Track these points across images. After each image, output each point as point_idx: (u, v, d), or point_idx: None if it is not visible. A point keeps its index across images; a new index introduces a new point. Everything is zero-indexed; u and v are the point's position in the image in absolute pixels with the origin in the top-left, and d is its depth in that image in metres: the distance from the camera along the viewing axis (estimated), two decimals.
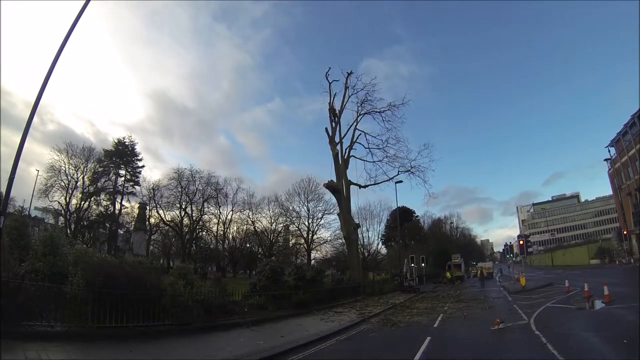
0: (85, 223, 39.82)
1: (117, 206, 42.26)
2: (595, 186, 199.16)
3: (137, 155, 44.38)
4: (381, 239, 52.74)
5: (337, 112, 31.58)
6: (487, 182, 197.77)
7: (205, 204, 42.98)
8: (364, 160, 31.44)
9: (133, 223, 44.57)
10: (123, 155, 42.88)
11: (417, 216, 59.23)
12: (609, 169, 53.54)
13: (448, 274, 44.10)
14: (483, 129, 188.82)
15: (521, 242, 30.60)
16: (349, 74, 31.79)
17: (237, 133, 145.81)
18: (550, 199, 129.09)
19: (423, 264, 38.06)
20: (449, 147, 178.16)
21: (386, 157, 30.70)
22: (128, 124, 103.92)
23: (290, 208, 44.55)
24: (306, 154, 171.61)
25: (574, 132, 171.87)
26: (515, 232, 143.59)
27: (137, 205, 44.00)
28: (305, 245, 45.21)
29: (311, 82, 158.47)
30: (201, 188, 42.27)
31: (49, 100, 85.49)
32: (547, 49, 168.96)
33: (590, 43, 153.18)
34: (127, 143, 43.74)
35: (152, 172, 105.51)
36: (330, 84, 31.69)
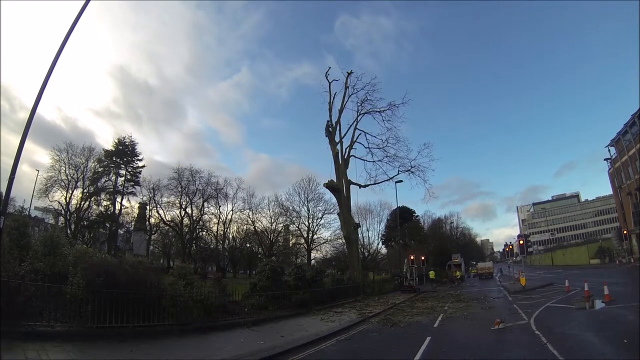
0: (85, 223, 39.75)
1: (117, 206, 42.24)
2: (596, 186, 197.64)
3: (137, 155, 44.32)
4: (381, 239, 52.76)
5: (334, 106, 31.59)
6: (492, 175, 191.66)
7: (205, 204, 43.01)
8: (364, 160, 31.50)
9: (133, 223, 44.56)
10: (123, 155, 42.84)
11: (417, 216, 59.24)
12: (609, 169, 53.53)
13: (457, 273, 44.40)
14: (488, 116, 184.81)
15: (521, 242, 30.63)
16: (349, 74, 31.96)
17: (207, 115, 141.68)
18: (550, 198, 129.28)
19: (422, 260, 38.04)
20: (452, 136, 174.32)
21: (386, 156, 30.72)
22: (95, 109, 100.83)
23: (290, 208, 44.60)
24: (285, 139, 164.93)
25: (585, 120, 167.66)
26: (516, 231, 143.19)
27: (137, 205, 44.05)
28: (305, 245, 45.19)
29: (279, 45, 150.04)
30: (201, 188, 42.30)
31: (14, 84, 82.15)
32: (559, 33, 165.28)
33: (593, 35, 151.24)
34: (127, 143, 43.71)
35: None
36: (330, 83, 31.86)
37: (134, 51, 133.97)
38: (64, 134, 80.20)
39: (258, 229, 44.27)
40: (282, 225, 46.95)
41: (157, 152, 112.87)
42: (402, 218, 45.38)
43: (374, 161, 30.99)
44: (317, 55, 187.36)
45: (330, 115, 31.51)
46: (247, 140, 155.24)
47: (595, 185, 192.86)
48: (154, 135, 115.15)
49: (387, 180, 30.99)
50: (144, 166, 44.89)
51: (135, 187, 43.28)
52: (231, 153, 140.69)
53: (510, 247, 42.67)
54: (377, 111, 31.24)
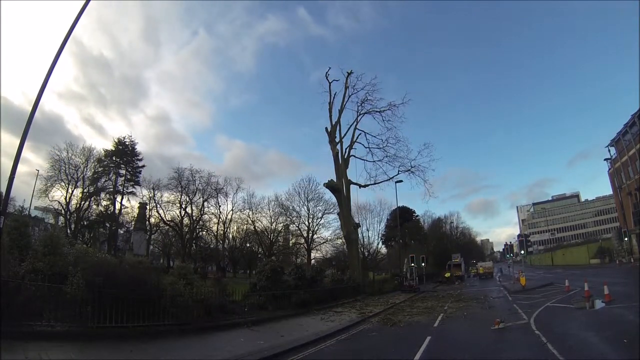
0: (85, 223, 39.73)
1: (117, 206, 42.26)
2: (596, 186, 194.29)
3: (137, 155, 44.37)
4: (381, 239, 52.74)
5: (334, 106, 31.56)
6: (498, 167, 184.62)
7: (205, 204, 43.01)
8: (364, 160, 31.59)
9: (133, 223, 44.56)
10: (123, 154, 42.86)
11: (417, 216, 59.24)
12: (609, 169, 53.51)
13: (447, 274, 44.52)
14: (494, 107, 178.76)
15: (519, 249, 30.62)
16: (349, 74, 32.06)
17: (171, 93, 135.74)
18: (550, 198, 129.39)
19: (423, 264, 38.10)
20: (454, 125, 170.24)
21: (386, 156, 30.85)
22: (59, 91, 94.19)
23: (290, 207, 44.63)
24: (259, 121, 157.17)
25: (599, 109, 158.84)
26: (516, 230, 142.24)
27: (137, 205, 44.05)
28: (305, 244, 45.19)
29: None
30: (201, 188, 42.30)
31: None
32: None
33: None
34: (127, 143, 43.79)
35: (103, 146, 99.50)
36: (330, 83, 31.94)
37: (82, 18, 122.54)
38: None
39: (258, 229, 44.27)
40: (282, 225, 46.96)
41: (125, 139, 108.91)
42: (402, 218, 45.38)
43: (374, 161, 31.13)
44: (284, 7, 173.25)
45: (330, 116, 31.62)
46: (219, 123, 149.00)
47: (595, 185, 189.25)
48: (122, 120, 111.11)
49: (387, 180, 31.15)
50: (144, 166, 44.97)
51: (135, 187, 43.34)
52: (204, 139, 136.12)
53: (510, 244, 42.74)
54: (377, 111, 31.38)
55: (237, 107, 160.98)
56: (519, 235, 39.51)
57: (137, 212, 44.19)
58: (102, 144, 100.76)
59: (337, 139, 30.84)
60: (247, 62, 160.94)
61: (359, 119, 31.75)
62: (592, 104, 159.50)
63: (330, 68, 32.37)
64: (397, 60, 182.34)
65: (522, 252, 33.62)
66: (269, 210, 45.03)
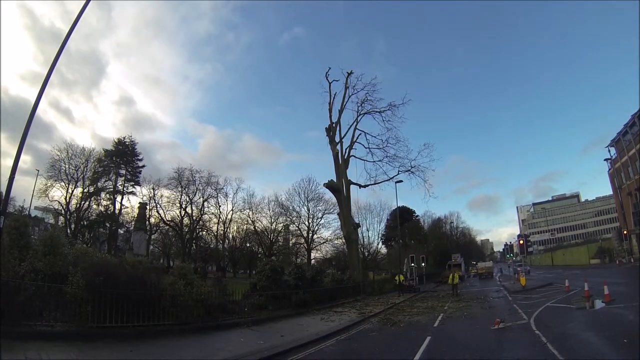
0: (85, 223, 39.76)
1: (117, 206, 42.30)
2: (596, 186, 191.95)
3: (137, 155, 44.47)
4: (381, 239, 52.85)
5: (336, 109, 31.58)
6: (502, 159, 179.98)
7: (205, 204, 43.05)
8: (364, 160, 31.61)
9: (133, 223, 44.60)
10: (123, 155, 42.92)
11: (417, 216, 59.33)
12: (609, 169, 53.53)
13: (449, 277, 44.19)
14: (500, 100, 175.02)
15: (521, 242, 30.64)
16: (349, 74, 32.08)
17: (130, 71, 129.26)
18: (550, 198, 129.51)
19: (423, 264, 38.09)
20: (457, 116, 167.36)
21: (386, 156, 30.89)
22: (20, 72, 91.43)
23: (290, 208, 44.67)
24: (224, 99, 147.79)
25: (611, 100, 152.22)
26: (517, 229, 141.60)
27: (137, 205, 44.10)
28: (305, 244, 45.23)
29: None
30: (201, 188, 42.34)
31: None
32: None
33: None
34: (127, 143, 43.84)
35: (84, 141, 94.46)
36: (330, 84, 31.95)
37: None
38: (4, 107, 70.47)
39: (258, 229, 44.30)
40: (282, 225, 47.03)
41: (99, 125, 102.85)
42: (402, 218, 45.41)
43: (374, 161, 31.17)
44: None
45: (330, 116, 31.64)
46: (185, 105, 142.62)
47: (595, 185, 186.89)
48: (87, 103, 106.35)
49: (387, 180, 31.19)
50: (144, 166, 45.08)
51: (135, 187, 43.40)
52: (175, 125, 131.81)
53: (510, 244, 42.87)
54: (377, 111, 31.41)
55: (201, 81, 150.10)
56: (519, 236, 39.54)
57: (137, 212, 44.26)
58: (74, 131, 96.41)
59: (337, 139, 30.87)
60: (205, 24, 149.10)
61: (359, 119, 31.85)
62: (603, 91, 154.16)
63: (330, 68, 32.50)
64: (387, 25, 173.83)
65: (523, 254, 33.61)
66: (269, 210, 45.19)
